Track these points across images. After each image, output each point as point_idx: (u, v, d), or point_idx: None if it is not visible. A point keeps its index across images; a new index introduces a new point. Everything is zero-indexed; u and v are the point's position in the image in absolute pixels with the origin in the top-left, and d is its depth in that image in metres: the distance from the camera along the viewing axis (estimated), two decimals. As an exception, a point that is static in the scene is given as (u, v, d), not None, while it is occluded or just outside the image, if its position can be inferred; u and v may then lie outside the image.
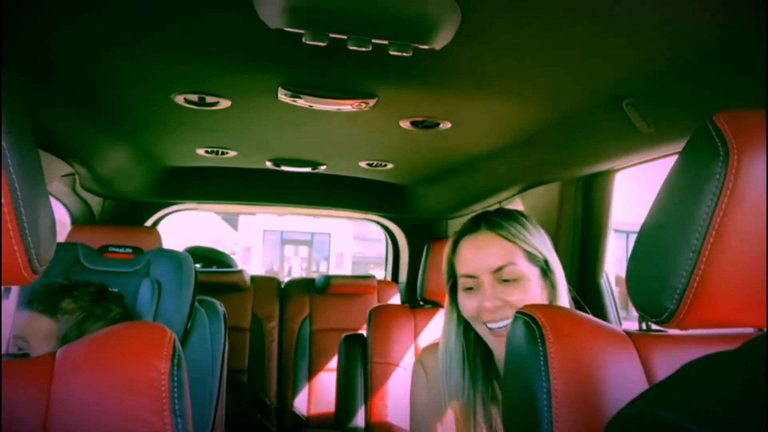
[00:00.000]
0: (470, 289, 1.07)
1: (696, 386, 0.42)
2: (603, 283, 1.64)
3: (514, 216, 1.10)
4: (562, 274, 1.09)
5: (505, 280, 1.03)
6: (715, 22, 0.78)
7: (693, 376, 0.44)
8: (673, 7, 0.76)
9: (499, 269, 1.03)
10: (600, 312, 1.60)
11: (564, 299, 1.08)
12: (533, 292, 1.04)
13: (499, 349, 1.06)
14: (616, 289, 1.68)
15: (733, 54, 0.85)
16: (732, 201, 0.57)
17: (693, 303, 0.60)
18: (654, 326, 0.73)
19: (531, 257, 1.05)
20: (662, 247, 0.63)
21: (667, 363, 0.68)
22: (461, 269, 1.09)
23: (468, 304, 1.07)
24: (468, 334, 1.12)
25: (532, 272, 1.05)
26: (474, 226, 1.10)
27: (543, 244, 1.08)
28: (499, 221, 1.08)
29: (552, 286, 1.07)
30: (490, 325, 1.04)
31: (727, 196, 0.57)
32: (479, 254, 1.06)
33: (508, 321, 1.01)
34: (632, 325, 0.82)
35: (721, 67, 0.90)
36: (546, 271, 1.07)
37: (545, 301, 1.06)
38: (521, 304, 0.99)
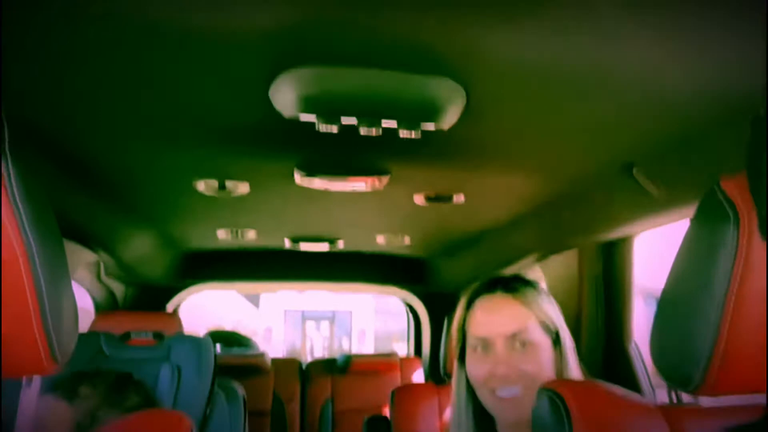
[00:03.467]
0: (482, 350, 1.03)
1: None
2: (633, 350, 1.58)
3: (529, 282, 1.10)
4: (571, 346, 1.06)
5: (519, 347, 1.01)
6: (717, 89, 0.81)
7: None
8: (673, 79, 0.78)
9: (513, 335, 1.01)
10: (632, 381, 1.54)
11: (573, 370, 1.04)
12: (545, 362, 1.01)
13: (502, 415, 1.02)
14: (648, 358, 1.62)
15: (737, 118, 0.87)
16: (747, 265, 0.56)
17: (720, 369, 0.58)
18: (685, 396, 0.70)
19: (544, 326, 1.04)
20: (683, 315, 0.62)
21: (701, 437, 0.65)
22: (474, 331, 1.05)
23: (478, 368, 1.03)
24: (477, 400, 1.07)
25: (545, 341, 1.03)
26: (490, 287, 1.08)
27: (555, 314, 1.07)
28: (515, 285, 1.07)
29: (561, 357, 1.04)
30: (499, 393, 1.00)
31: (742, 259, 0.56)
32: (494, 317, 1.04)
33: (517, 390, 0.98)
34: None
35: (725, 132, 0.91)
36: (556, 341, 1.04)
37: (555, 370, 1.03)
38: (534, 373, 0.97)
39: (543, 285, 1.15)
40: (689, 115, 0.89)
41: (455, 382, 1.12)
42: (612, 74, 0.77)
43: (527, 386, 0.97)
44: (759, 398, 0.67)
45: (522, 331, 1.01)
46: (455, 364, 1.12)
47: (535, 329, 1.02)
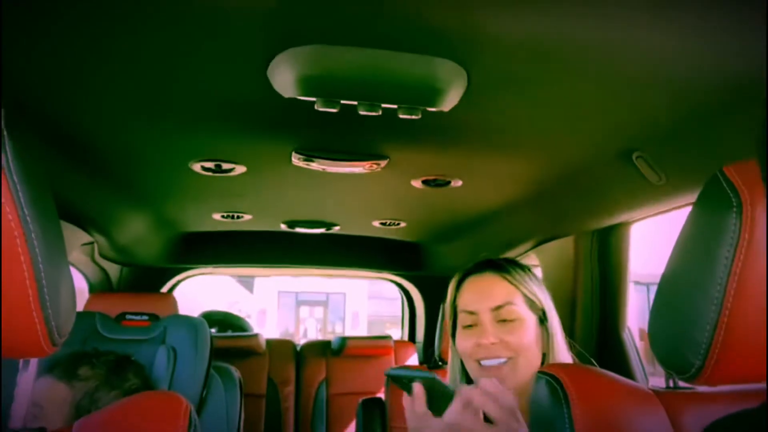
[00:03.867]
0: (469, 326, 1.08)
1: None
2: (626, 337, 1.60)
3: (518, 264, 1.14)
4: (558, 325, 1.10)
5: (504, 320, 1.05)
6: (719, 75, 0.80)
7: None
8: (676, 62, 0.78)
9: (498, 307, 1.06)
10: (625, 368, 1.55)
11: (561, 350, 1.08)
12: (529, 336, 1.05)
13: None
14: (640, 344, 1.63)
15: (739, 104, 0.87)
16: (749, 252, 0.56)
17: (719, 358, 0.58)
18: (682, 383, 0.70)
19: (530, 303, 1.08)
20: (683, 302, 0.62)
21: (696, 422, 0.66)
22: (462, 305, 1.11)
23: (465, 341, 1.08)
24: (469, 377, 1.12)
25: (530, 317, 1.07)
26: (479, 267, 1.14)
27: (543, 295, 1.11)
28: (504, 264, 1.12)
29: (548, 334, 1.08)
30: (484, 362, 1.04)
31: (744, 246, 0.56)
32: (481, 292, 1.09)
33: (502, 360, 1.03)
34: (659, 381, 0.79)
35: (727, 119, 0.91)
36: (543, 319, 1.09)
37: (540, 347, 1.07)
38: (517, 345, 1.03)
39: (538, 272, 1.16)
40: (692, 100, 0.88)
41: (450, 359, 1.17)
42: (614, 57, 0.77)
43: (511, 357, 1.03)
44: (756, 384, 0.67)
45: (507, 304, 1.05)
46: (449, 342, 1.16)
47: (520, 304, 1.07)
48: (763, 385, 0.67)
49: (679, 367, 0.64)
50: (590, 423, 0.63)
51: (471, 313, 1.08)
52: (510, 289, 1.08)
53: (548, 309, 1.10)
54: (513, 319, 1.05)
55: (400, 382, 0.99)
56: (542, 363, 1.06)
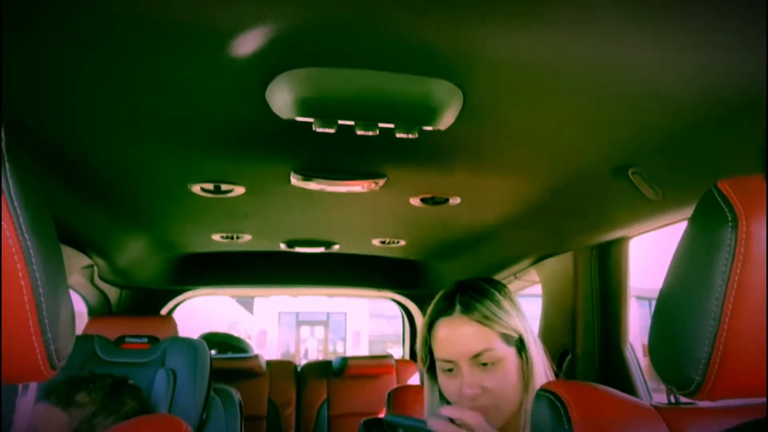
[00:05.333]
0: (449, 371, 1.05)
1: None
2: (628, 353, 1.59)
3: (487, 292, 1.08)
4: (534, 346, 1.07)
5: (484, 364, 1.02)
6: (714, 90, 0.81)
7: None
8: (670, 78, 0.79)
9: (477, 355, 1.02)
10: (628, 384, 1.54)
11: (540, 374, 1.05)
12: (511, 376, 1.03)
13: None
14: (644, 360, 1.62)
15: (734, 119, 0.88)
16: (746, 266, 0.57)
17: (719, 372, 0.58)
18: (683, 398, 0.70)
19: (506, 338, 1.04)
20: (681, 318, 0.62)
21: (700, 438, 0.65)
22: (438, 353, 1.07)
23: (449, 386, 1.05)
24: None
25: (509, 353, 1.04)
26: (448, 306, 1.08)
27: (517, 320, 1.07)
28: (472, 303, 1.05)
29: (526, 362, 1.05)
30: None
31: (740, 261, 0.57)
32: (455, 340, 1.04)
33: (485, 404, 1.01)
34: (663, 398, 0.79)
35: (722, 133, 0.92)
36: (520, 348, 1.06)
37: (522, 379, 1.04)
38: (499, 390, 1.01)
39: (507, 290, 1.12)
40: (686, 115, 0.89)
41: (427, 395, 1.14)
42: (608, 74, 0.78)
43: (494, 400, 1.01)
44: (756, 398, 0.67)
45: (485, 350, 1.02)
46: (425, 377, 1.14)
47: (498, 345, 1.03)
48: (763, 399, 0.66)
49: (679, 382, 0.64)
50: (592, 440, 0.63)
51: (448, 360, 1.05)
52: (485, 332, 1.03)
53: (524, 333, 1.06)
54: (493, 362, 1.02)
55: (396, 430, 0.99)
56: (526, 388, 1.04)
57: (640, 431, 0.65)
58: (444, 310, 1.08)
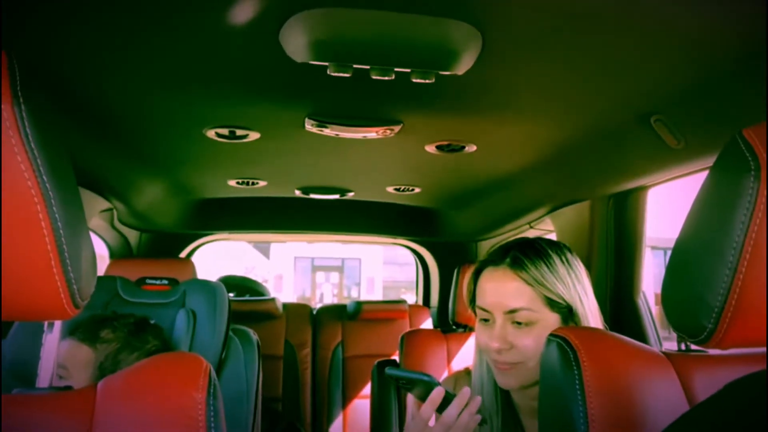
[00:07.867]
0: (485, 320, 1.05)
1: (739, 408, 0.41)
2: (641, 302, 1.60)
3: (543, 253, 1.03)
4: (591, 318, 1.03)
5: (518, 323, 1.00)
6: (741, 34, 0.78)
7: (736, 398, 0.43)
8: (697, 20, 0.75)
9: (512, 311, 1.00)
10: (639, 332, 1.56)
11: None
12: (544, 340, 1.00)
13: (499, 379, 1.05)
14: (655, 309, 1.63)
15: (760, 66, 0.84)
16: (766, 215, 0.56)
17: (732, 321, 0.58)
18: (693, 346, 0.71)
19: (551, 303, 1.00)
20: (697, 265, 0.62)
21: (708, 384, 0.66)
22: (479, 300, 1.07)
23: (481, 335, 1.06)
24: None
25: (550, 318, 1.00)
26: (499, 258, 1.05)
27: (570, 288, 1.02)
28: (524, 260, 1.02)
29: None
30: (494, 362, 1.04)
31: (761, 210, 0.56)
32: (496, 291, 1.03)
33: (509, 362, 1.01)
34: (673, 346, 0.79)
35: (748, 81, 0.88)
36: (569, 317, 1.02)
37: None
38: (529, 350, 0.98)
39: (570, 257, 1.06)
40: (712, 61, 0.86)
41: (476, 344, 1.14)
42: (633, 14, 0.75)
43: (521, 358, 1.00)
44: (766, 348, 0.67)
45: (521, 309, 1.00)
46: (476, 324, 1.12)
47: (538, 308, 1.00)
48: (774, 348, 0.67)
49: (691, 330, 0.64)
50: (601, 385, 0.64)
51: (485, 310, 1.04)
52: (526, 292, 1.00)
53: (577, 304, 1.01)
54: (528, 323, 0.99)
55: (399, 382, 0.98)
56: None
57: (648, 377, 0.66)
58: (494, 260, 1.06)
